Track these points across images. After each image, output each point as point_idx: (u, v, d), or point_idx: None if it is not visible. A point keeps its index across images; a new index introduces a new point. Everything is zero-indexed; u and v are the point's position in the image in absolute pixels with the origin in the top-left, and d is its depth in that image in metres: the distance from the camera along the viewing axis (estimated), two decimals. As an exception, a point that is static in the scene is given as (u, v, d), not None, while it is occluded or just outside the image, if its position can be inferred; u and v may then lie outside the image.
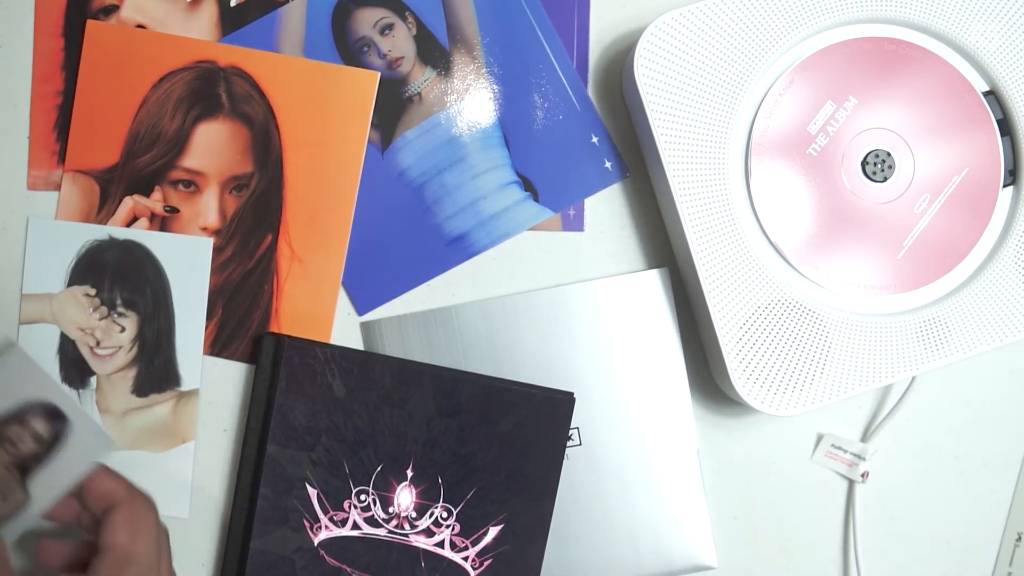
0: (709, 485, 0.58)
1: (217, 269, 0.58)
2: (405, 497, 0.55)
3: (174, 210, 0.58)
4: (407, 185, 0.58)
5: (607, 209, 0.59)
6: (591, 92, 0.59)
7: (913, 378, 0.56)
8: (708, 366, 0.58)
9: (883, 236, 0.54)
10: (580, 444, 0.57)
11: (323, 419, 0.55)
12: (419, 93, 0.58)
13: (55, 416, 0.50)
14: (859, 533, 0.58)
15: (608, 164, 0.59)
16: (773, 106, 0.54)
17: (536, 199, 0.58)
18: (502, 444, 0.55)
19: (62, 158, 0.58)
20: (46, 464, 0.50)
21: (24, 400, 0.50)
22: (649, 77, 0.54)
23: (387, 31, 0.59)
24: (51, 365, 0.57)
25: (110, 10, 0.58)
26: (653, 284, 0.58)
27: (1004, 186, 0.55)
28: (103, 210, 0.58)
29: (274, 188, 0.58)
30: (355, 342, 0.58)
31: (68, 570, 0.52)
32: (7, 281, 0.58)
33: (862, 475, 0.58)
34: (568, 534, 0.57)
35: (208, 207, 0.58)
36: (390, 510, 0.55)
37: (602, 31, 0.59)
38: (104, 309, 0.57)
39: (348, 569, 0.55)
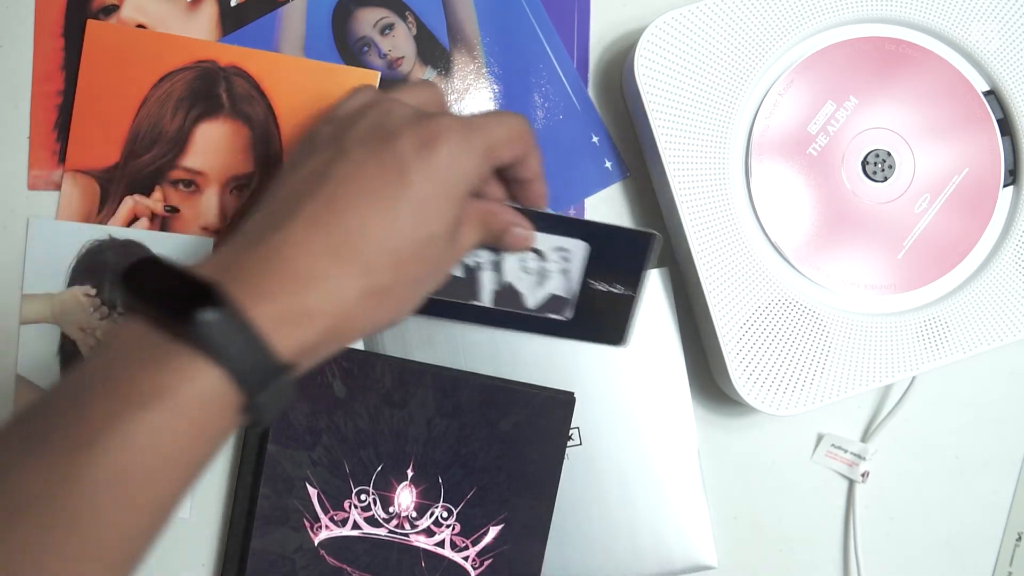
0: (709, 485, 0.58)
1: (217, 269, 0.58)
2: (405, 497, 0.56)
3: (174, 210, 0.58)
4: (407, 185, 0.58)
5: (607, 209, 0.59)
6: (591, 92, 0.59)
7: (913, 378, 0.56)
8: (708, 366, 0.58)
9: (883, 236, 0.54)
10: (580, 444, 0.57)
11: (323, 419, 0.55)
12: (419, 93, 0.58)
13: None
14: (859, 533, 0.58)
15: (608, 164, 0.59)
16: (773, 106, 0.54)
17: (536, 199, 0.58)
18: (502, 444, 0.55)
19: (62, 158, 0.58)
20: None
21: None
22: (649, 77, 0.54)
23: (387, 31, 0.59)
24: (52, 365, 0.57)
25: (110, 10, 0.58)
26: (653, 284, 0.58)
27: (1004, 186, 0.55)
28: (103, 210, 0.58)
29: (274, 188, 0.58)
30: (355, 342, 0.58)
31: None
32: (7, 281, 0.58)
33: (862, 475, 0.58)
34: (568, 534, 0.57)
35: (208, 207, 0.58)
36: (390, 510, 0.55)
37: (602, 31, 0.59)
38: (105, 309, 0.57)
39: (348, 569, 0.55)
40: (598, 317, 0.55)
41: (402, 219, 0.42)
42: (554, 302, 0.55)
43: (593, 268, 0.54)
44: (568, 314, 0.55)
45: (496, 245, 0.51)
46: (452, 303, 0.55)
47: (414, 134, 0.43)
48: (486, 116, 0.46)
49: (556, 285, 0.54)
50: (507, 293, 0.55)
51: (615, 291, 0.54)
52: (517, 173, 0.48)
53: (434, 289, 0.46)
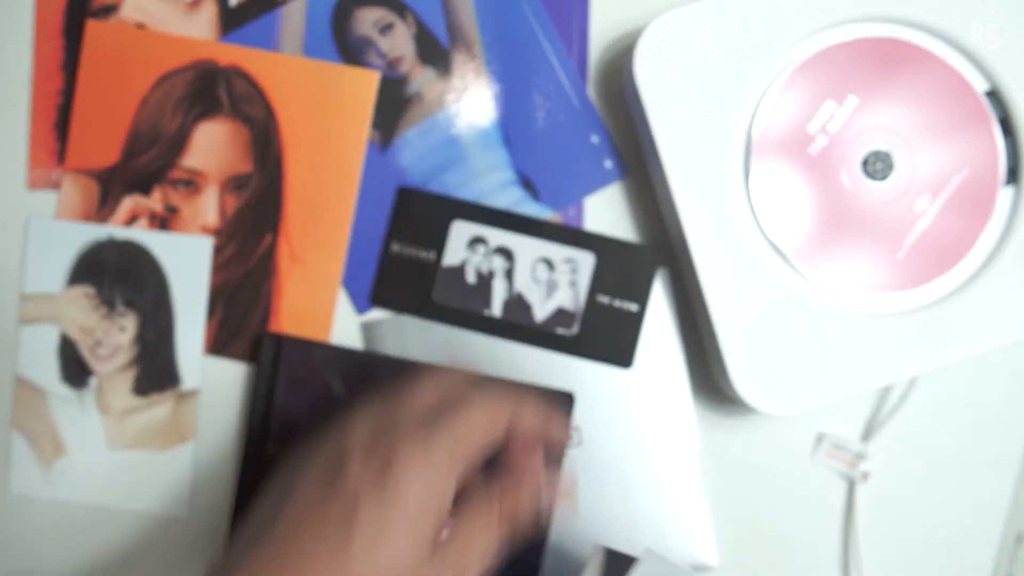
0: (709, 485, 0.58)
1: (217, 269, 0.58)
2: (405, 497, 0.55)
3: (174, 209, 0.58)
4: (407, 185, 0.58)
5: (607, 209, 0.59)
6: (591, 92, 0.59)
7: (913, 378, 0.56)
8: (708, 366, 0.58)
9: (883, 236, 0.54)
10: (580, 444, 0.57)
11: (323, 419, 0.55)
12: (419, 93, 0.59)
13: None
14: (859, 533, 0.58)
15: (608, 164, 0.59)
16: (773, 106, 0.54)
17: (536, 198, 0.58)
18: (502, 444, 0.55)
19: (62, 157, 0.58)
20: None
21: None
22: (649, 77, 0.54)
23: (387, 31, 0.59)
24: (51, 365, 0.58)
25: (110, 10, 0.58)
26: (653, 284, 0.58)
27: (1004, 185, 0.55)
28: (103, 209, 0.58)
29: (274, 188, 0.58)
30: (355, 342, 0.58)
31: None
32: (7, 281, 0.58)
33: (863, 475, 0.58)
34: (568, 534, 0.57)
35: (208, 207, 0.58)
36: (390, 510, 0.55)
37: (602, 31, 0.59)
38: (104, 309, 0.58)
39: (348, 569, 0.55)
40: (604, 335, 0.56)
41: (354, 572, 0.39)
42: (561, 316, 0.55)
43: (599, 281, 0.55)
44: (575, 329, 0.55)
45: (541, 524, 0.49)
46: (462, 312, 0.56)
47: (364, 473, 0.40)
48: (449, 423, 0.42)
49: (564, 297, 0.55)
50: (517, 304, 0.55)
51: (620, 307, 0.54)
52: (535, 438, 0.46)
53: None
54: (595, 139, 0.59)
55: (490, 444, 0.44)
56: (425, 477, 0.40)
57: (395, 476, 0.39)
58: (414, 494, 0.40)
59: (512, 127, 0.59)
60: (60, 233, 0.58)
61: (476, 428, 0.43)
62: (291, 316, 0.58)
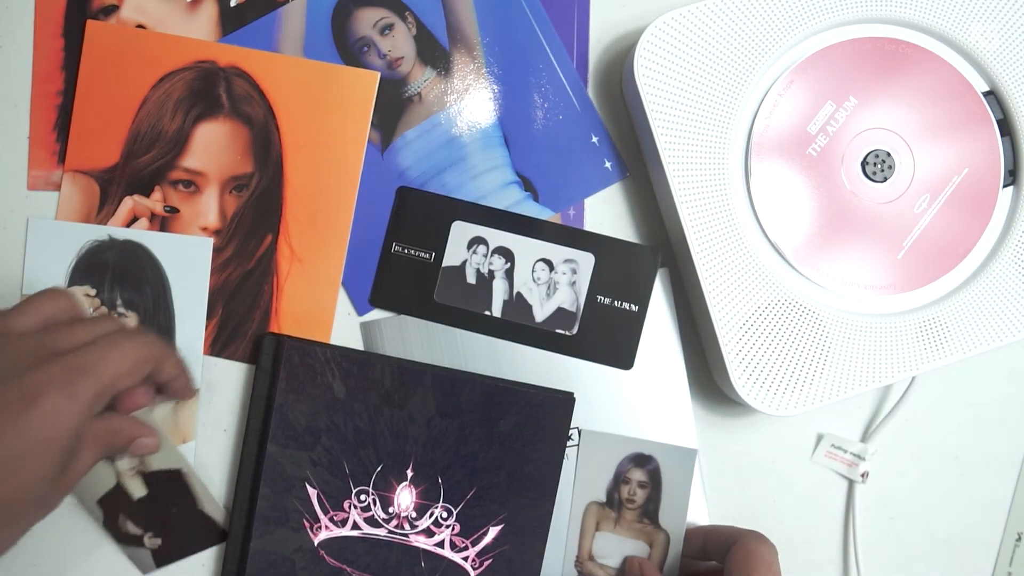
0: (709, 485, 0.58)
1: (217, 269, 0.58)
2: (405, 497, 0.56)
3: (174, 210, 0.58)
4: (407, 185, 0.58)
5: (607, 209, 0.59)
6: (591, 92, 0.59)
7: (913, 378, 0.56)
8: (708, 366, 0.58)
9: (883, 236, 0.54)
10: (580, 444, 0.57)
11: (323, 419, 0.55)
12: (419, 93, 0.59)
13: (641, 460, 0.56)
14: (859, 533, 0.58)
15: (608, 164, 0.59)
16: (773, 106, 0.54)
17: (536, 199, 0.58)
18: (502, 444, 0.55)
19: (62, 158, 0.58)
20: (662, 502, 0.56)
21: (615, 464, 0.56)
22: (649, 77, 0.54)
23: (387, 31, 0.59)
24: (51, 365, 0.57)
25: (110, 10, 0.58)
26: (653, 284, 0.58)
27: (1004, 186, 0.55)
28: (103, 210, 0.58)
29: (274, 188, 0.58)
30: (355, 342, 0.58)
31: None
32: (7, 281, 0.58)
33: (862, 475, 0.58)
34: (568, 534, 0.57)
35: (208, 207, 0.58)
36: (390, 510, 0.55)
37: (602, 31, 0.59)
38: (104, 309, 0.57)
39: (348, 569, 0.55)
40: (604, 335, 0.56)
41: None
42: (561, 316, 0.55)
43: (599, 282, 0.55)
44: (575, 329, 0.55)
45: (121, 455, 0.54)
46: (462, 312, 0.56)
47: (16, 388, 0.43)
48: (100, 352, 0.46)
49: (564, 298, 0.55)
50: (516, 304, 0.56)
51: (620, 307, 0.55)
52: (155, 380, 0.51)
53: (37, 522, 0.46)
54: (595, 139, 0.59)
55: (137, 381, 0.48)
56: (65, 411, 0.43)
57: (36, 407, 0.43)
58: (54, 424, 0.43)
59: (512, 127, 0.59)
60: (60, 233, 0.58)
61: (121, 376, 0.46)
62: (291, 316, 0.58)
